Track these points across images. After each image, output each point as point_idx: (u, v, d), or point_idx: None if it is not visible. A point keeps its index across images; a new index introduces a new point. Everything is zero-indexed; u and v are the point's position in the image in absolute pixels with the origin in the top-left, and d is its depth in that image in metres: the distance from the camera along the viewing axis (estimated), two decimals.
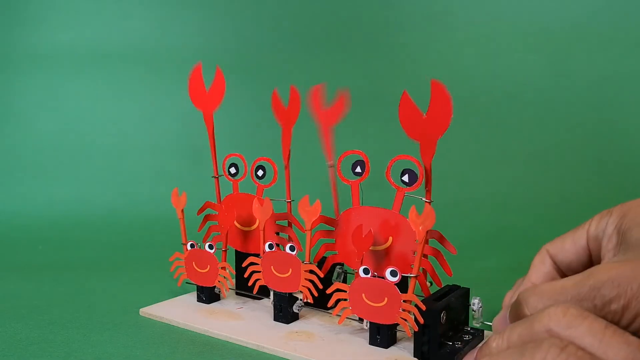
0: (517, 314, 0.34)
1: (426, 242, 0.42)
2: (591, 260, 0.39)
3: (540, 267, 0.40)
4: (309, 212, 0.46)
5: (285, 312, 0.48)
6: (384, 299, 0.41)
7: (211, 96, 0.54)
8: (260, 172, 0.52)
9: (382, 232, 0.45)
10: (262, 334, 0.46)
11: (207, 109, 0.55)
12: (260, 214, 0.49)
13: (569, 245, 0.39)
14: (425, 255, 0.44)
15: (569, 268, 0.40)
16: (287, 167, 0.52)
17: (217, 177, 0.55)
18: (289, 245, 0.48)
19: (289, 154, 0.52)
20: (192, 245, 0.53)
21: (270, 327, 0.47)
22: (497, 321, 0.38)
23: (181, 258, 0.54)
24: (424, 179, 0.43)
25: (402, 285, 0.41)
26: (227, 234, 0.52)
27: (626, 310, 0.29)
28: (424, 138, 0.42)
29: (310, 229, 0.47)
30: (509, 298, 0.41)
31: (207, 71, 0.55)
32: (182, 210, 0.53)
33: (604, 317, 0.29)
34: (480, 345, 0.37)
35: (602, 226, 0.37)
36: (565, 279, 0.32)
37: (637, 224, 0.34)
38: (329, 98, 0.50)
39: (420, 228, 0.40)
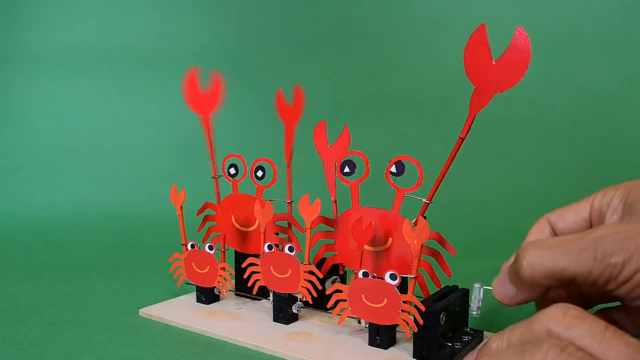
0: (516, 267, 0.33)
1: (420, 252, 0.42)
2: None
3: (539, 234, 0.40)
4: (308, 211, 0.46)
5: (284, 312, 0.48)
6: (383, 300, 0.41)
7: (208, 99, 0.54)
8: (259, 173, 0.52)
9: (381, 233, 0.45)
10: (262, 335, 0.46)
11: (203, 112, 0.55)
12: (262, 217, 0.48)
13: (570, 215, 0.39)
14: (426, 256, 0.44)
15: None
16: (289, 166, 0.52)
17: (217, 178, 0.55)
18: (287, 245, 0.47)
19: (291, 153, 0.52)
20: (192, 246, 0.53)
21: (270, 328, 0.47)
22: (496, 282, 0.38)
23: (181, 258, 0.54)
24: (422, 179, 0.43)
25: (402, 286, 0.41)
26: (224, 235, 0.52)
27: (627, 264, 0.29)
28: (486, 85, 0.39)
29: (310, 229, 0.47)
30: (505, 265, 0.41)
31: (209, 73, 0.55)
32: (181, 207, 0.53)
33: (602, 271, 0.29)
34: (480, 345, 0.37)
35: (608, 199, 0.37)
36: (567, 235, 0.32)
37: None
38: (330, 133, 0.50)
39: (415, 242, 0.40)
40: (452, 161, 0.41)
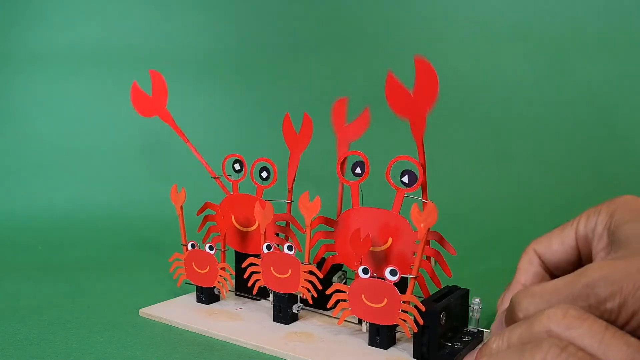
0: (511, 317, 0.33)
1: (427, 241, 0.42)
2: (580, 258, 0.38)
3: (529, 267, 0.40)
4: (308, 209, 0.46)
5: (284, 312, 0.48)
6: (383, 300, 0.41)
7: (156, 99, 0.56)
8: (264, 174, 0.52)
9: (381, 233, 0.45)
10: (262, 335, 0.46)
11: (159, 110, 0.56)
12: (262, 218, 0.48)
13: (557, 246, 0.39)
14: (426, 257, 0.44)
15: (557, 267, 0.39)
16: (290, 190, 0.52)
17: (218, 178, 0.55)
18: (286, 245, 0.47)
19: (294, 179, 0.51)
20: (192, 246, 0.53)
21: (270, 328, 0.47)
22: (495, 327, 0.38)
23: (181, 258, 0.54)
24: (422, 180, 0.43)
25: (402, 286, 0.41)
26: (224, 236, 0.52)
27: (622, 309, 0.29)
28: (413, 115, 0.42)
29: (310, 229, 0.47)
30: (500, 302, 0.41)
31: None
32: (181, 207, 0.53)
33: (600, 317, 0.29)
34: (480, 346, 0.37)
35: (591, 225, 0.36)
36: (557, 279, 0.32)
37: (625, 221, 0.34)
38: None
39: (422, 225, 0.40)
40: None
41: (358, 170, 0.46)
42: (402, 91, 0.42)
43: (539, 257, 0.40)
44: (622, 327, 0.29)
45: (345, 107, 0.49)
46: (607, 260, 0.31)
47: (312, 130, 0.49)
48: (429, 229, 0.40)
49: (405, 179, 0.44)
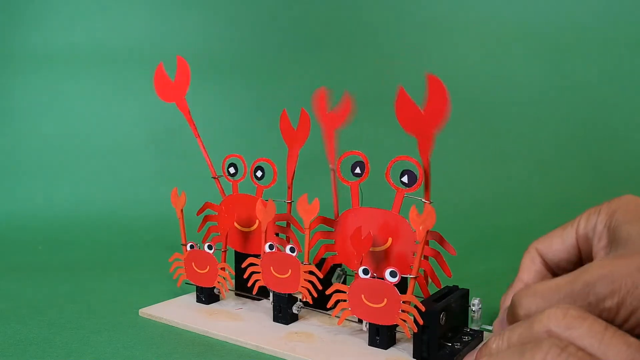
0: (513, 316, 0.33)
1: (426, 242, 0.42)
2: (581, 257, 0.39)
3: (531, 266, 0.40)
4: (307, 211, 0.46)
5: (284, 312, 0.48)
6: (383, 300, 0.41)
7: (177, 84, 0.55)
8: (259, 173, 0.52)
9: (381, 233, 0.45)
10: (262, 335, 0.46)
11: (176, 97, 0.55)
12: (263, 216, 0.48)
13: (558, 245, 0.39)
14: (425, 257, 0.44)
15: (558, 266, 0.40)
16: (290, 187, 0.52)
17: (217, 178, 0.55)
18: (289, 246, 0.47)
19: (293, 175, 0.51)
20: (192, 246, 0.53)
21: (270, 328, 0.47)
22: (497, 325, 0.38)
23: (180, 259, 0.54)
24: (423, 180, 0.43)
25: (402, 286, 0.41)
26: (226, 236, 0.52)
27: (621, 307, 0.29)
28: (422, 133, 0.42)
29: (310, 229, 0.47)
30: (504, 300, 0.41)
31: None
32: (182, 210, 0.53)
33: (599, 315, 0.29)
34: (479, 346, 0.37)
35: (592, 225, 0.37)
36: (558, 277, 0.32)
37: (626, 221, 0.34)
38: (333, 101, 0.50)
39: (421, 228, 0.40)
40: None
41: (358, 170, 0.46)
42: (412, 108, 0.42)
43: (541, 256, 0.40)
44: (621, 325, 0.29)
45: (325, 95, 0.49)
46: (607, 259, 0.31)
47: (310, 126, 0.49)
48: (428, 232, 0.40)
49: (405, 179, 0.44)
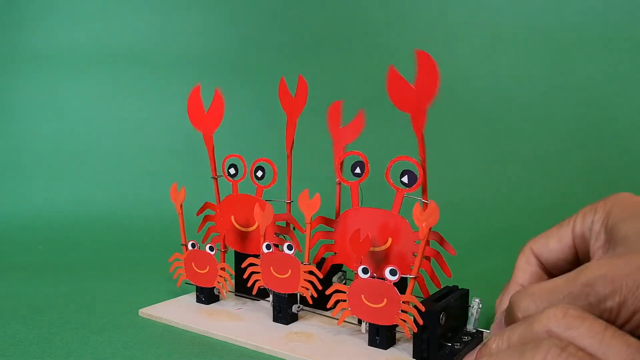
0: (511, 318, 0.33)
1: (427, 241, 0.42)
2: (578, 257, 0.38)
3: (526, 267, 0.39)
4: (308, 206, 0.46)
5: (284, 313, 0.48)
6: (383, 300, 0.41)
7: (210, 117, 0.54)
8: (259, 173, 0.52)
9: (381, 233, 0.45)
10: (262, 335, 0.46)
11: (206, 130, 0.54)
12: (262, 219, 0.48)
13: (554, 244, 0.38)
14: (426, 257, 0.44)
15: (555, 266, 0.39)
16: (289, 156, 0.51)
17: (217, 178, 0.55)
18: (286, 244, 0.47)
19: (292, 144, 0.51)
20: (192, 246, 0.53)
21: (270, 328, 0.47)
22: (494, 328, 0.38)
23: (180, 259, 0.54)
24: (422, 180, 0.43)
25: (402, 286, 0.41)
26: (224, 236, 0.52)
27: (623, 307, 0.29)
28: (415, 109, 0.42)
29: (310, 229, 0.47)
30: (499, 303, 0.40)
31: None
32: (181, 206, 0.53)
33: (599, 316, 0.29)
34: (479, 346, 0.37)
35: (588, 224, 0.36)
36: (556, 278, 0.32)
37: (622, 219, 0.33)
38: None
39: (424, 225, 0.40)
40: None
41: (358, 170, 0.46)
42: (403, 84, 0.42)
43: (537, 257, 0.39)
44: (622, 326, 0.29)
45: (340, 109, 0.49)
46: (606, 259, 0.31)
47: (307, 93, 0.49)
48: (430, 229, 0.40)
49: (405, 179, 0.44)
